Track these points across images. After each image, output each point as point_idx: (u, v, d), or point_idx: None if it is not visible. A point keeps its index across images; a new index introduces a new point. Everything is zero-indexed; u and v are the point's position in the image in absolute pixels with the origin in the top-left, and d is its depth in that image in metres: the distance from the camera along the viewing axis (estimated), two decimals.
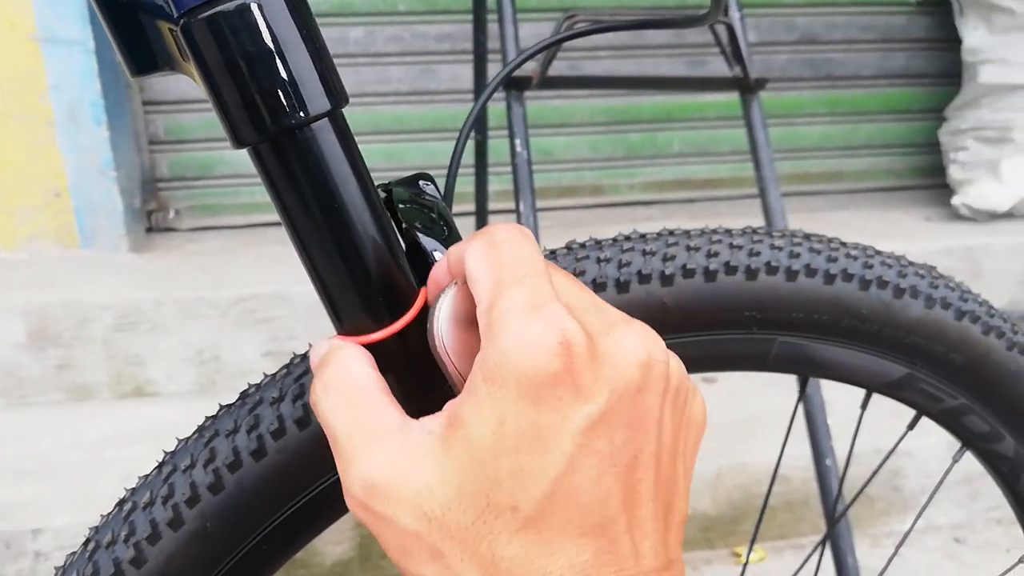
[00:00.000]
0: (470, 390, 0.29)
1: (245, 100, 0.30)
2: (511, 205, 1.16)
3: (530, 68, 1.14)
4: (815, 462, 1.06)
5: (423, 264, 0.36)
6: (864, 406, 0.54)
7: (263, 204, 2.11)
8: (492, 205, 1.64)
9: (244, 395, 0.43)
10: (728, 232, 0.48)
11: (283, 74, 0.30)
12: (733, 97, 1.23)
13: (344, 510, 0.44)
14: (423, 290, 0.35)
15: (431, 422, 0.30)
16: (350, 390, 0.31)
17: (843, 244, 0.50)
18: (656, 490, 0.30)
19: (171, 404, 1.76)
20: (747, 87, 1.14)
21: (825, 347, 0.49)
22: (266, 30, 0.30)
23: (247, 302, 1.77)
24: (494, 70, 1.56)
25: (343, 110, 0.32)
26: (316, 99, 0.30)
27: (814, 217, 2.17)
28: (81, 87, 1.84)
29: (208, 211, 2.15)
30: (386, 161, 2.18)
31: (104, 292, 1.77)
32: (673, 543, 0.31)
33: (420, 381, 0.34)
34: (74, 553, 0.43)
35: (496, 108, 1.61)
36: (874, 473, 0.59)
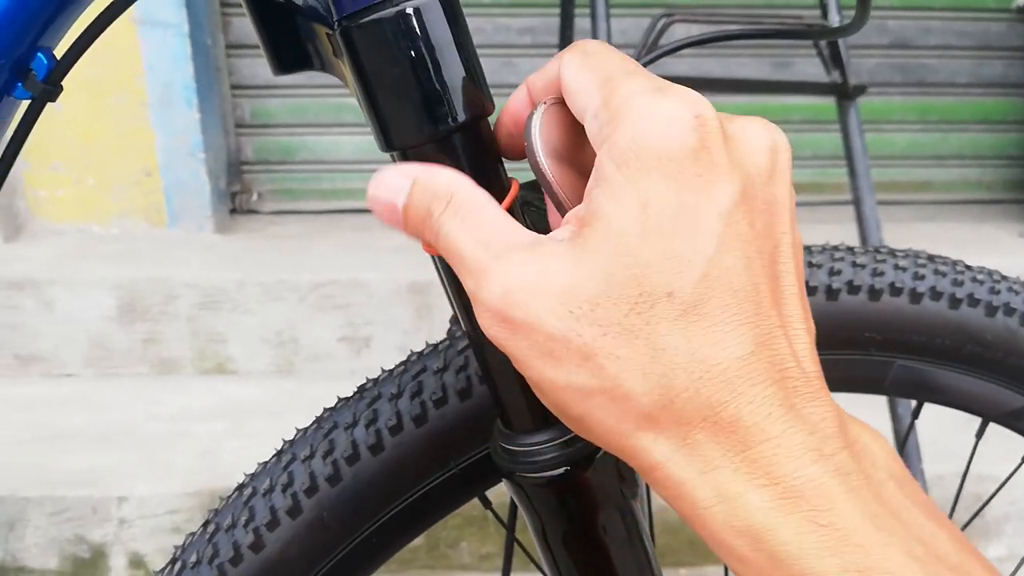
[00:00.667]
0: (602, 181, 0.27)
1: (400, 106, 0.30)
2: None
3: None
4: None
5: None
6: (980, 435, 0.52)
7: (341, 191, 2.15)
8: None
9: (362, 389, 0.44)
10: (851, 250, 0.47)
11: (439, 82, 0.30)
12: (820, 100, 1.20)
13: (450, 508, 0.45)
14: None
15: (560, 232, 0.28)
16: (477, 212, 0.29)
17: (968, 268, 0.48)
18: (798, 285, 0.28)
19: (249, 382, 1.81)
20: (845, 93, 1.11)
21: (945, 372, 0.48)
22: (423, 37, 0.30)
23: (325, 287, 1.81)
24: None
25: None
26: (468, 106, 0.31)
27: (900, 228, 2.11)
28: (174, 69, 1.90)
29: (289, 195, 2.19)
30: None
31: (189, 271, 1.83)
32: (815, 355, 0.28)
33: None
34: (193, 533, 0.44)
35: None
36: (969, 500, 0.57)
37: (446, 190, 0.29)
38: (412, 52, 0.30)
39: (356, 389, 0.44)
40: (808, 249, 0.46)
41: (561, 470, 0.34)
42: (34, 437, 1.62)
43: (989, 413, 0.50)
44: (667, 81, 0.28)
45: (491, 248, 0.28)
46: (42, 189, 1.98)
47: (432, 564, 1.52)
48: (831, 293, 0.44)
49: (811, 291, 0.44)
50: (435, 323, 1.82)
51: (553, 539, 0.36)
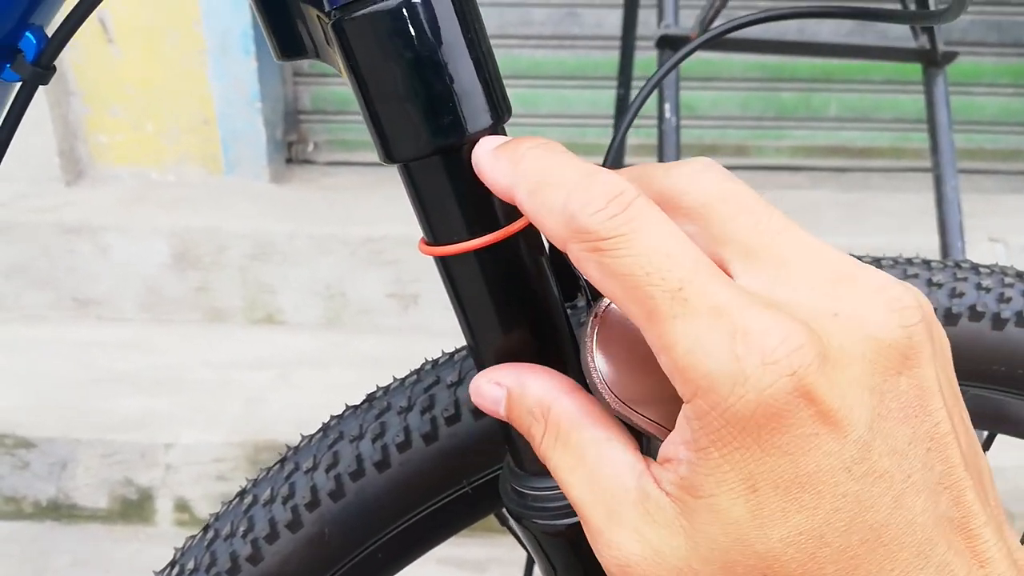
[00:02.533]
0: (698, 452, 0.23)
1: (400, 113, 0.26)
2: (651, 158, 1.09)
3: (688, 26, 1.06)
4: None
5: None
6: None
7: None
8: (629, 160, 1.57)
9: (371, 398, 0.41)
10: (927, 264, 0.41)
11: (445, 86, 0.26)
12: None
13: (462, 525, 0.42)
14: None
15: (667, 477, 0.24)
16: (575, 436, 0.26)
17: None
18: (967, 468, 0.23)
19: (298, 334, 1.82)
20: (933, 61, 1.02)
21: (1021, 403, 0.42)
22: (430, 35, 0.26)
23: (376, 242, 1.79)
24: (645, 17, 1.47)
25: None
26: (479, 115, 0.26)
27: (985, 200, 1.98)
28: (232, 17, 1.88)
29: (345, 146, 2.17)
30: (520, 106, 2.13)
31: (243, 220, 1.83)
32: (1000, 516, 0.24)
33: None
34: (193, 538, 0.42)
35: (642, 60, 1.53)
36: None
37: (540, 407, 0.27)
38: (415, 51, 0.26)
39: (365, 397, 0.41)
40: (877, 261, 0.41)
41: (573, 520, 0.30)
42: (88, 379, 1.66)
43: None
44: (725, 291, 0.23)
45: (599, 500, 0.25)
46: (103, 134, 2.00)
47: (471, 527, 1.51)
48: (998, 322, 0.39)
49: (976, 316, 0.39)
50: None
51: None
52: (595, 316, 0.27)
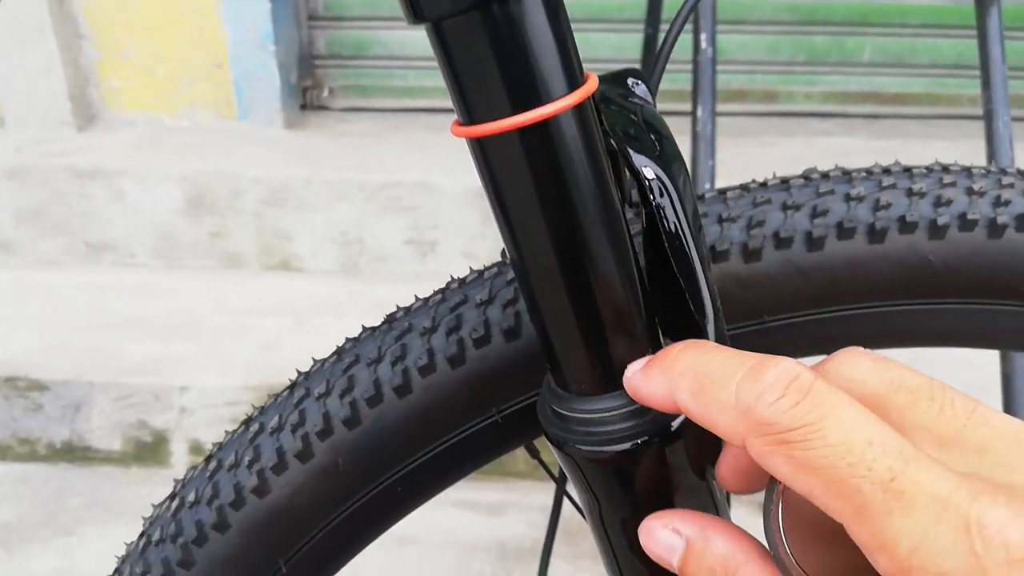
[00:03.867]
0: None
1: None
2: (681, 107, 1.03)
3: None
4: None
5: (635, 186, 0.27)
6: None
7: (415, 89, 2.05)
8: (660, 106, 1.51)
9: (391, 319, 0.37)
10: (1021, 174, 0.36)
11: None
12: (942, 2, 1.04)
13: (490, 457, 0.38)
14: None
15: None
16: None
17: None
18: None
19: (314, 280, 1.78)
20: None
21: None
22: None
23: (393, 188, 1.74)
24: None
25: None
26: None
27: None
28: None
29: (361, 92, 2.11)
30: None
31: (257, 166, 1.78)
32: None
33: None
34: (195, 468, 0.39)
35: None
36: None
37: (725, 569, 0.25)
38: None
39: (384, 318, 0.37)
40: (968, 172, 0.36)
41: (628, 444, 0.26)
42: (102, 323, 1.64)
43: None
44: (939, 478, 0.20)
45: None
46: (114, 79, 1.95)
47: (486, 470, 1.49)
48: (994, 229, 0.34)
49: (968, 225, 0.34)
50: None
51: (612, 525, 0.29)
52: (777, 491, 0.24)
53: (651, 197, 0.26)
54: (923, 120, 2.08)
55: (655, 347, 0.27)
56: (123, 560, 0.40)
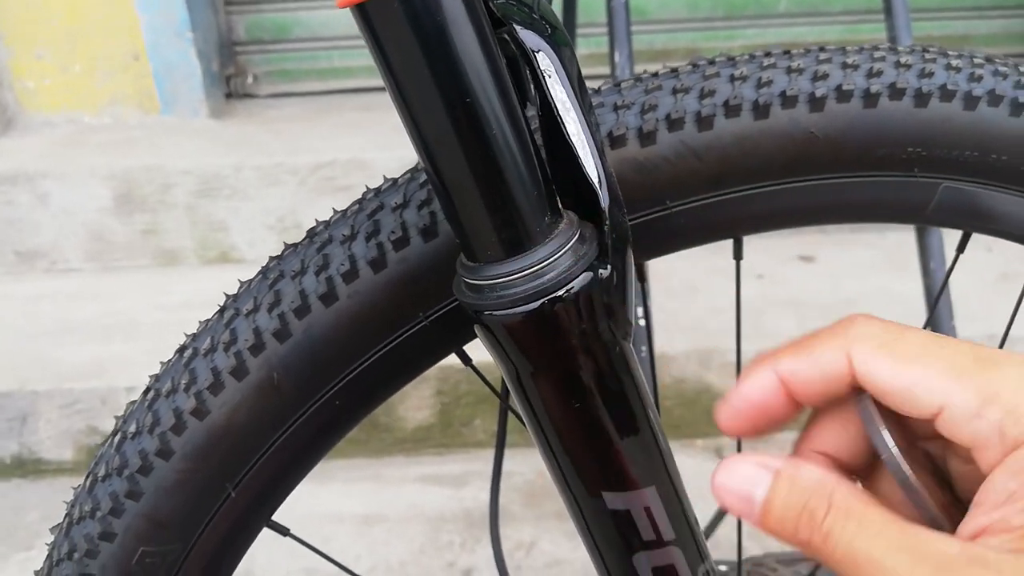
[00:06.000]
0: None
1: None
2: (602, 70, 1.05)
3: None
4: None
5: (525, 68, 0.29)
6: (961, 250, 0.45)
7: (341, 70, 2.04)
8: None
9: (312, 233, 0.38)
10: (894, 49, 0.39)
11: None
12: None
13: (424, 364, 0.39)
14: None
15: (997, 542, 0.24)
16: (871, 515, 0.25)
17: (989, 60, 0.40)
18: None
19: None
20: None
21: (1000, 196, 0.41)
22: None
23: (325, 169, 1.73)
24: None
25: None
26: None
27: None
28: None
29: (286, 76, 2.09)
30: None
31: (185, 158, 1.76)
32: None
33: None
34: (134, 402, 0.39)
35: None
36: None
37: (822, 488, 0.26)
38: None
39: (306, 233, 0.38)
40: (843, 50, 0.38)
41: (535, 304, 0.28)
42: (40, 332, 1.60)
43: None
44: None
45: (917, 560, 0.24)
46: (29, 79, 1.89)
47: (446, 443, 1.51)
48: (870, 98, 0.36)
49: (844, 96, 0.36)
50: None
51: (529, 387, 0.30)
52: (868, 403, 0.27)
53: (535, 65, 0.28)
54: None
55: (554, 213, 0.29)
56: (72, 503, 0.41)
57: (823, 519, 0.25)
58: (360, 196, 0.38)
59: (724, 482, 0.27)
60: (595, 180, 0.29)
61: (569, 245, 0.28)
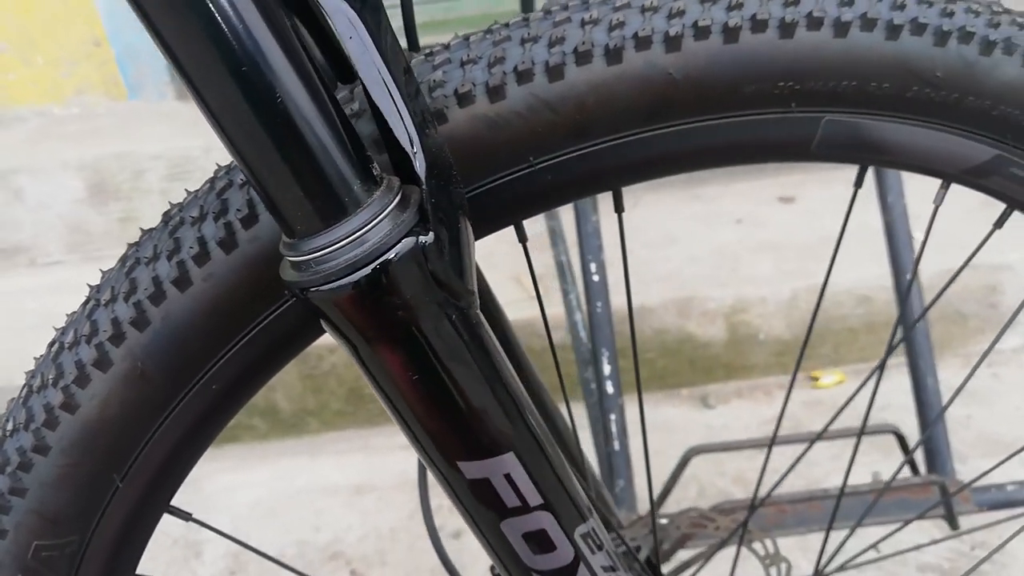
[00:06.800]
0: None
1: None
2: None
3: None
4: (894, 278, 0.95)
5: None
6: (939, 200, 0.43)
7: None
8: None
9: (166, 216, 0.37)
10: None
11: None
12: None
13: (302, 342, 0.38)
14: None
15: None
16: None
17: None
18: None
19: None
20: None
21: (886, 125, 0.39)
22: None
23: None
24: None
25: None
26: None
27: None
28: None
29: None
30: None
31: (154, 142, 1.74)
32: None
33: None
34: (13, 399, 0.39)
35: None
36: (941, 294, 0.49)
37: None
38: None
39: (161, 218, 0.37)
40: None
41: (354, 276, 0.27)
42: (25, 326, 1.61)
43: (948, 172, 0.41)
44: None
45: None
46: None
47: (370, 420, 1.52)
48: (729, 33, 0.35)
49: (702, 33, 0.34)
50: None
51: (369, 360, 0.30)
52: None
53: (331, 25, 0.26)
54: None
55: (367, 180, 0.27)
56: None
57: None
58: (212, 175, 0.36)
59: None
60: (406, 144, 0.27)
61: (386, 212, 0.27)
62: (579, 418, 1.17)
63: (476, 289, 0.30)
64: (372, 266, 0.27)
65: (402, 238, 0.27)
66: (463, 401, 0.30)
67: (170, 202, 0.38)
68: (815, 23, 0.36)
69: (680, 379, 1.46)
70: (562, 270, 1.33)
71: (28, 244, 1.79)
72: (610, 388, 0.86)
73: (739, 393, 1.46)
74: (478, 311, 0.30)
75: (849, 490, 0.84)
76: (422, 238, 0.28)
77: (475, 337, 0.30)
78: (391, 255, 0.27)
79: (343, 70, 0.33)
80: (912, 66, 0.37)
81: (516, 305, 1.34)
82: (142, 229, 0.37)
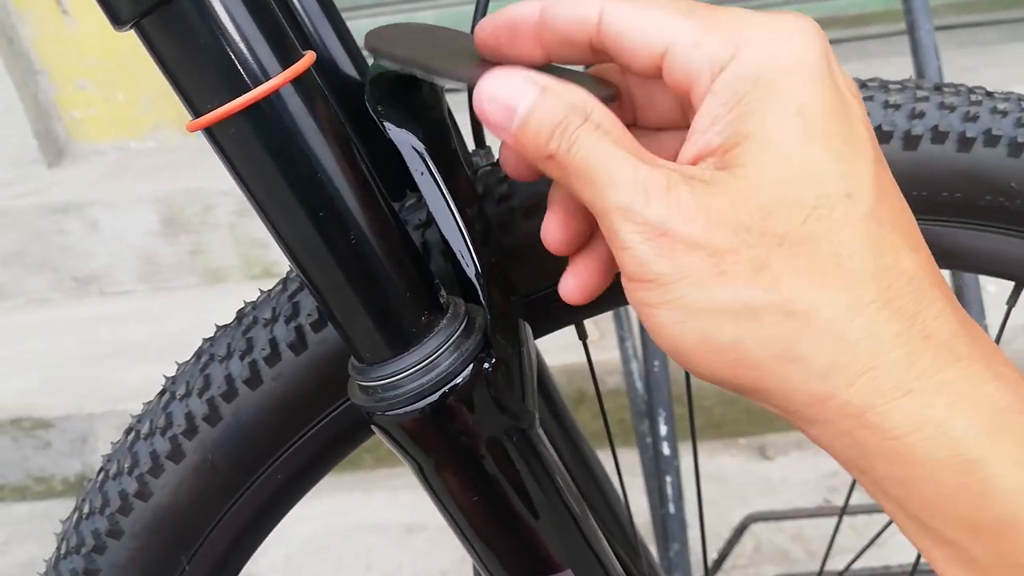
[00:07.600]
0: (740, 101, 0.24)
1: None
2: None
3: None
4: None
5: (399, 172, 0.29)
6: (1012, 302, 0.42)
7: None
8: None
9: (240, 315, 0.38)
10: (884, 86, 0.37)
11: None
12: None
13: (360, 438, 0.39)
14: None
15: (700, 165, 0.26)
16: (620, 128, 0.26)
17: (989, 95, 0.37)
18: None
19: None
20: None
21: (960, 232, 0.38)
22: None
23: None
24: None
25: None
26: None
27: (984, 52, 1.87)
28: None
29: None
30: None
31: (223, 179, 1.79)
32: None
33: None
34: (91, 481, 0.41)
35: None
36: None
37: (584, 104, 0.26)
38: None
39: (235, 314, 0.38)
40: None
41: (419, 404, 0.28)
42: (96, 355, 1.67)
43: (1022, 275, 0.40)
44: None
45: (645, 160, 0.25)
46: (75, 110, 1.97)
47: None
48: None
49: None
50: None
51: (433, 480, 0.30)
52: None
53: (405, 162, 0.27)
54: (884, 39, 2.05)
55: (434, 307, 0.28)
56: None
57: (575, 129, 0.25)
58: (284, 276, 0.38)
59: (491, 90, 0.26)
60: (473, 276, 0.28)
61: (451, 341, 0.28)
62: (633, 464, 1.16)
63: (536, 410, 0.30)
64: (437, 394, 0.28)
65: (465, 368, 0.28)
66: (521, 521, 0.30)
67: (244, 300, 0.39)
68: (884, 137, 0.35)
69: (737, 428, 1.44)
70: (618, 316, 1.32)
71: (101, 274, 1.86)
72: (666, 449, 0.85)
73: (799, 444, 1.43)
74: (539, 430, 0.31)
75: (923, 567, 0.81)
76: (486, 365, 0.28)
77: (535, 456, 0.31)
78: (457, 381, 0.28)
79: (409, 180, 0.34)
80: (985, 176, 0.37)
81: (574, 348, 1.34)
82: (217, 326, 0.38)
